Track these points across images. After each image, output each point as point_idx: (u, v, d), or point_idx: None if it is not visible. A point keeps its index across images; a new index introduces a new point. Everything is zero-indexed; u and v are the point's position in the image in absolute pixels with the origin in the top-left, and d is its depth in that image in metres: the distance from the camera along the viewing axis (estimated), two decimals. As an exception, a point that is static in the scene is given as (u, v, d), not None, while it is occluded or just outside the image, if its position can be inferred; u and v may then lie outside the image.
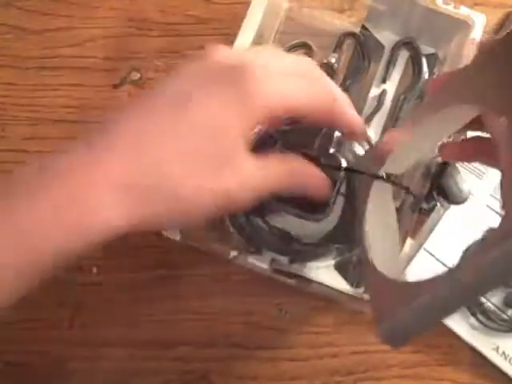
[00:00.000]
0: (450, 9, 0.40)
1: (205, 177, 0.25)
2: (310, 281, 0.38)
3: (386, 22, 0.43)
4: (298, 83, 0.27)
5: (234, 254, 0.38)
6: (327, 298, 0.40)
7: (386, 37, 0.44)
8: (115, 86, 0.45)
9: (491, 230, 0.22)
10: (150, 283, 0.42)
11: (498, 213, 0.42)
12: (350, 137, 0.34)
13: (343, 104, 0.30)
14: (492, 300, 0.40)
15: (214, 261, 0.42)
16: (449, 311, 0.22)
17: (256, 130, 0.27)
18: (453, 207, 0.41)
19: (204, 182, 0.25)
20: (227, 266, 0.42)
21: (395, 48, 0.43)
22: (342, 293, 0.38)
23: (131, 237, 0.42)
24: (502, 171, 0.24)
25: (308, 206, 0.35)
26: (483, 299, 0.40)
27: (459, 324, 0.41)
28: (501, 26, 0.45)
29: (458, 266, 0.22)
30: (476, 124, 0.28)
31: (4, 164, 0.44)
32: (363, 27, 0.44)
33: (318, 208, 0.35)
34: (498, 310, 0.40)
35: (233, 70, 0.26)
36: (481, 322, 0.40)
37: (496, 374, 0.41)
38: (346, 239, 0.38)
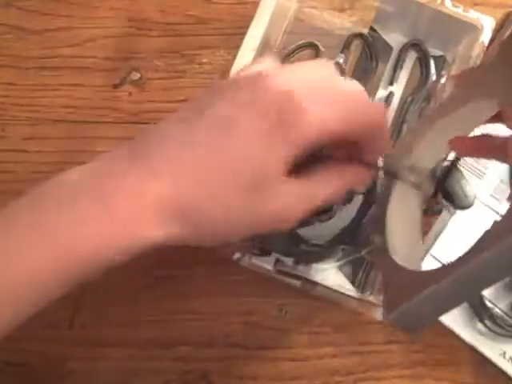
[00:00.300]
0: (459, 12, 0.40)
1: (245, 200, 0.25)
2: (314, 283, 0.39)
3: (395, 24, 0.43)
4: (347, 111, 0.26)
5: (237, 255, 0.38)
6: (331, 300, 0.40)
7: (394, 38, 0.44)
8: (115, 86, 0.45)
9: (496, 223, 0.22)
10: (150, 283, 0.42)
11: (498, 213, 0.42)
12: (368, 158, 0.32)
13: (385, 133, 0.29)
14: (499, 305, 0.40)
15: (214, 261, 0.42)
16: (459, 300, 0.23)
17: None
18: (458, 212, 0.41)
19: (243, 206, 0.26)
20: (227, 265, 0.42)
21: (403, 50, 0.43)
22: (346, 295, 0.38)
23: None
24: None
25: None
26: (490, 305, 0.40)
27: (466, 330, 0.41)
28: (501, 25, 0.45)
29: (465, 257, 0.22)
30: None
31: (4, 164, 0.44)
32: (371, 28, 0.44)
33: (323, 209, 0.35)
34: (505, 316, 0.40)
35: (278, 98, 0.25)
36: (488, 327, 0.40)
37: (496, 374, 0.41)
38: (354, 240, 0.38)
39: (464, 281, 0.22)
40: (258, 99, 0.25)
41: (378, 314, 0.36)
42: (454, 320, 0.40)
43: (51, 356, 0.41)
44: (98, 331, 0.42)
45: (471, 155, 0.39)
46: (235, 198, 0.25)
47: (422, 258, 0.39)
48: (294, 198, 0.26)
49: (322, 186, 0.28)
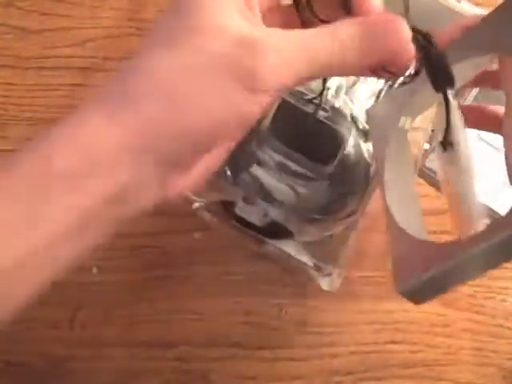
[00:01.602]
0: (476, 12, 0.39)
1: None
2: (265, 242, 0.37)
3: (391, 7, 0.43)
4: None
5: (196, 205, 0.37)
6: (278, 261, 0.40)
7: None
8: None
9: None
10: (150, 283, 0.42)
11: (489, 143, 0.42)
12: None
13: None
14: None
15: (214, 261, 0.42)
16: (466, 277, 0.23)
17: None
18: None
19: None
20: (227, 265, 0.42)
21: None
22: (295, 258, 0.37)
23: (131, 237, 0.42)
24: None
25: (311, 151, 0.34)
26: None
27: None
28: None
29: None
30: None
31: (4, 164, 0.44)
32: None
33: (322, 157, 0.34)
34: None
35: None
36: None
37: (496, 374, 0.41)
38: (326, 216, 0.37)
39: (493, 253, 0.21)
40: None
41: (325, 284, 0.36)
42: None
43: (51, 356, 0.41)
44: (98, 331, 0.42)
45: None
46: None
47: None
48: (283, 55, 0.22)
49: (322, 38, 0.22)
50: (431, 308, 0.42)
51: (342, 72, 0.24)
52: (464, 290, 0.43)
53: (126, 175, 0.22)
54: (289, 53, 0.22)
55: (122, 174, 0.22)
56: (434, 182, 0.44)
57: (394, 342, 0.42)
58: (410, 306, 0.42)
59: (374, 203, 0.36)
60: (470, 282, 0.43)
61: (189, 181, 0.25)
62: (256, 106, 0.22)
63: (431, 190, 0.44)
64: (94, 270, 0.42)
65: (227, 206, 0.37)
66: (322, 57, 0.22)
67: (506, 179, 0.26)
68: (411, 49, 0.24)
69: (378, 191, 0.35)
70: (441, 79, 0.25)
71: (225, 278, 0.42)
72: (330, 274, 0.35)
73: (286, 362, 0.42)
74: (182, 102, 0.22)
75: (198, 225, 0.43)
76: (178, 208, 0.43)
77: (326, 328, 0.42)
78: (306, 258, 0.38)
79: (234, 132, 0.24)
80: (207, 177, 0.26)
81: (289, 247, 0.37)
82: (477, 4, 0.45)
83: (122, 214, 0.24)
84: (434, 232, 0.43)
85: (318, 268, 0.37)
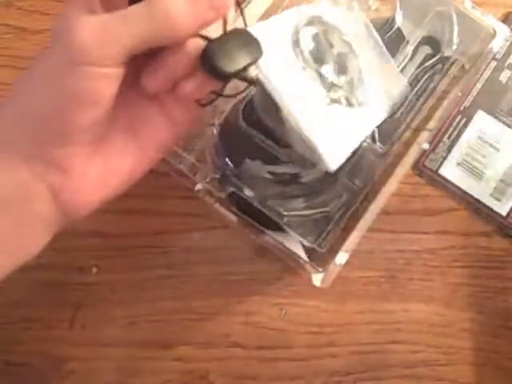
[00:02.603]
0: (477, 15, 0.39)
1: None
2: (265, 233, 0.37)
3: (414, 16, 0.42)
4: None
5: (199, 186, 0.36)
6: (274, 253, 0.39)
7: (410, 30, 0.43)
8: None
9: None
10: (150, 283, 0.42)
11: (498, 213, 0.42)
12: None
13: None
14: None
15: (214, 261, 0.42)
16: None
17: None
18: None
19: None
20: (227, 265, 0.42)
21: (419, 44, 0.43)
22: (290, 251, 0.36)
23: (131, 237, 0.42)
24: None
25: None
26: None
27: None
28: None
29: None
30: None
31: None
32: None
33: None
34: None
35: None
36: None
37: (496, 374, 0.41)
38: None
39: None
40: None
41: (317, 279, 0.36)
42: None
43: (51, 356, 0.41)
44: (97, 331, 0.42)
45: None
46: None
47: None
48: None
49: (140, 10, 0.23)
50: (431, 308, 0.42)
51: (167, 37, 0.24)
52: (464, 289, 0.43)
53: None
54: (112, 28, 0.23)
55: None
56: (433, 182, 0.44)
57: (394, 342, 0.42)
58: (409, 305, 0.42)
59: (371, 204, 0.36)
60: (470, 282, 0.43)
61: (88, 182, 0.25)
62: (90, 80, 0.23)
63: (431, 190, 0.44)
64: (94, 270, 0.42)
65: (229, 194, 0.38)
66: (141, 26, 0.23)
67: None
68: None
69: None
70: None
71: (225, 278, 0.42)
72: (323, 271, 0.35)
73: (286, 361, 0.42)
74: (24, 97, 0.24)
75: (198, 225, 0.43)
76: (178, 208, 0.43)
77: (325, 328, 0.42)
78: (301, 253, 0.38)
79: (90, 112, 0.23)
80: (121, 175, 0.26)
81: (286, 240, 0.37)
82: (476, 4, 0.45)
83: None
84: (434, 232, 0.43)
85: (312, 263, 0.37)
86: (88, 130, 0.24)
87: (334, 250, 0.36)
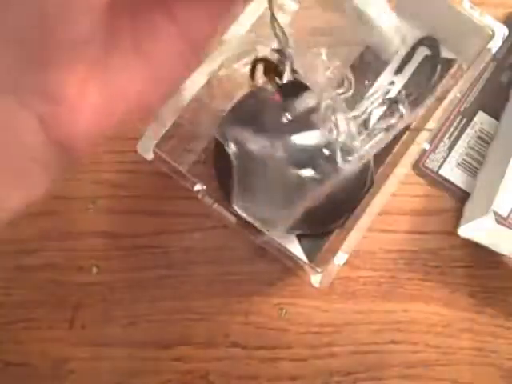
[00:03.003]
0: (475, 15, 0.39)
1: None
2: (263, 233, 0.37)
3: (412, 15, 0.42)
4: None
5: (198, 187, 0.36)
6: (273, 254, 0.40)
7: (408, 31, 0.43)
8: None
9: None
10: (150, 283, 0.42)
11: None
12: None
13: None
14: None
15: (214, 261, 0.42)
16: None
17: None
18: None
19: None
20: (227, 265, 0.42)
21: (417, 44, 0.43)
22: (290, 253, 0.36)
23: (131, 237, 0.42)
24: None
25: None
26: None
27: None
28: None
29: None
30: None
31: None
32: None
33: None
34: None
35: None
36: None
37: (496, 374, 0.41)
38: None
39: None
40: None
41: (316, 280, 0.36)
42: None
43: (51, 356, 0.41)
44: (97, 331, 0.42)
45: None
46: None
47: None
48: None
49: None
50: (431, 308, 0.42)
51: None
52: (464, 290, 0.43)
53: None
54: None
55: None
56: (434, 182, 0.44)
57: (394, 342, 0.42)
58: (410, 305, 0.42)
59: (371, 204, 0.36)
60: (470, 282, 0.43)
61: (86, 110, 0.21)
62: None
63: (431, 190, 0.44)
64: (94, 270, 0.42)
65: (227, 193, 0.38)
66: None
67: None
68: None
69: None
70: None
71: (225, 277, 0.42)
72: (321, 271, 0.35)
73: (286, 361, 0.42)
74: None
75: (198, 225, 0.43)
76: (178, 208, 0.43)
77: (325, 328, 0.42)
78: (299, 253, 0.38)
79: (77, 21, 0.19)
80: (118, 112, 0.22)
81: (284, 240, 0.38)
82: (475, 4, 0.45)
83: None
84: (433, 232, 0.43)
85: (310, 264, 0.37)
86: (76, 47, 0.20)
87: (332, 251, 0.36)
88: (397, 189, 0.40)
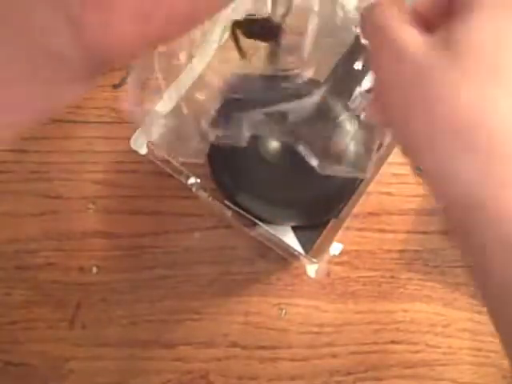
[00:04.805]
0: None
1: None
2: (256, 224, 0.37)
3: None
4: None
5: (192, 180, 0.37)
6: (269, 245, 0.40)
7: None
8: (115, 86, 0.45)
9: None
10: (150, 283, 0.42)
11: None
12: None
13: None
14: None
15: (214, 261, 0.42)
16: None
17: None
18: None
19: None
20: (227, 265, 0.42)
21: None
22: (285, 243, 0.37)
23: (131, 237, 0.42)
24: None
25: None
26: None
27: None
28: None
29: None
30: None
31: (4, 164, 0.44)
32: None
33: None
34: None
35: None
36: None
37: (496, 374, 0.41)
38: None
39: None
40: None
41: (311, 271, 0.36)
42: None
43: (51, 356, 0.41)
44: (98, 331, 0.42)
45: None
46: None
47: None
48: None
49: None
50: (431, 308, 0.42)
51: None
52: (464, 290, 0.43)
53: None
54: None
55: None
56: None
57: (394, 342, 0.42)
58: (409, 305, 0.42)
59: (370, 204, 0.36)
60: (470, 282, 0.43)
61: (119, 10, 0.19)
62: None
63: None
64: (94, 270, 0.42)
65: (221, 187, 0.38)
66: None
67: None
68: None
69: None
70: None
71: (225, 277, 0.42)
72: (317, 262, 0.35)
73: (286, 361, 0.42)
74: None
75: (198, 225, 0.43)
76: (178, 208, 0.43)
77: (325, 328, 0.42)
78: (295, 244, 0.38)
79: None
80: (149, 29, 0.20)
81: (280, 232, 0.38)
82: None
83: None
84: (433, 232, 0.43)
85: (306, 255, 0.37)
86: None
87: (328, 241, 0.36)
88: (397, 189, 0.40)
